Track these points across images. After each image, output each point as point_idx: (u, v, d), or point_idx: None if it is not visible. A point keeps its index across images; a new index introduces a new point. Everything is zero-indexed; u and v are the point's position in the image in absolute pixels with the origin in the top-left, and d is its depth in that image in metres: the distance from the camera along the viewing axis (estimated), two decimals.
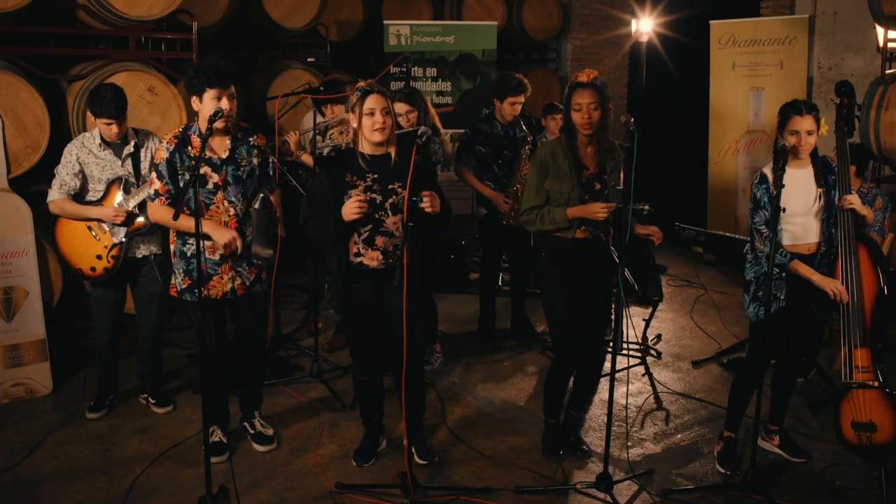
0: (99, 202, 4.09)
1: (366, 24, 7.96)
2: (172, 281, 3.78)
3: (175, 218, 3.30)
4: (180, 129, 3.68)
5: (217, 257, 3.67)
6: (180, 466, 3.78)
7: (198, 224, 3.21)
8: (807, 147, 3.50)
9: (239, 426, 4.10)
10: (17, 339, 4.48)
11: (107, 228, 4.11)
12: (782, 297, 3.60)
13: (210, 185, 3.62)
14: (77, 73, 5.15)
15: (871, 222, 3.66)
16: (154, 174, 3.64)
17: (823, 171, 3.59)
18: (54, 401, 4.50)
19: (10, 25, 4.93)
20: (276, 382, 4.68)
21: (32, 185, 4.66)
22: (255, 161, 3.72)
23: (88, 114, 4.05)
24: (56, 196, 4.08)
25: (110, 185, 4.09)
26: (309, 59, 7.15)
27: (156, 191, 3.63)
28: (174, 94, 5.18)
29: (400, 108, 4.85)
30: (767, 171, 3.61)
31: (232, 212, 3.66)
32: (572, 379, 3.96)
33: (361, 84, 3.52)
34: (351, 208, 3.38)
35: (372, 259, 3.54)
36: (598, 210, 3.57)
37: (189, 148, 3.62)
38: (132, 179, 4.12)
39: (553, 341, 3.95)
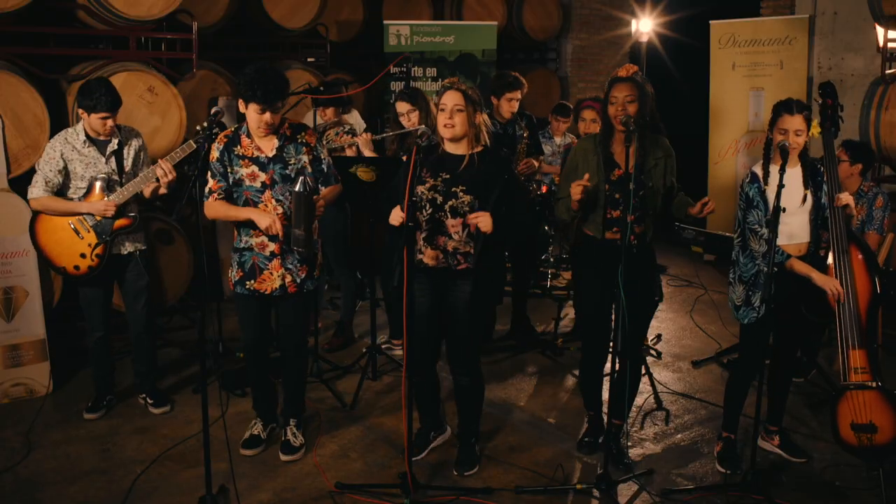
0: (81, 200, 4.08)
1: (366, 24, 7.96)
2: (230, 273, 3.81)
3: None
4: (233, 129, 3.72)
5: (268, 253, 3.68)
6: (180, 466, 3.78)
7: (199, 219, 3.21)
8: (794, 147, 3.49)
9: (277, 429, 4.07)
10: (17, 339, 4.48)
11: (90, 227, 4.11)
12: (762, 306, 3.58)
13: (258, 184, 3.63)
14: (77, 73, 5.15)
15: (856, 223, 3.66)
16: (209, 173, 3.67)
17: (811, 173, 3.59)
18: (54, 401, 4.50)
19: (10, 25, 4.94)
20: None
21: None
22: (305, 158, 3.70)
23: (78, 109, 4.02)
24: (39, 193, 4.05)
25: (92, 182, 4.07)
26: (309, 59, 7.15)
27: (209, 189, 3.66)
28: (174, 94, 5.19)
29: (401, 107, 4.87)
30: (758, 169, 3.61)
31: (279, 210, 3.64)
32: (573, 377, 3.95)
33: (448, 81, 3.53)
34: (394, 216, 3.39)
35: (431, 258, 3.52)
36: (574, 188, 3.46)
37: (238, 147, 3.65)
38: (115, 177, 4.11)
39: (582, 341, 3.94)
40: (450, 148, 3.53)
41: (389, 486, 3.56)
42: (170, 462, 3.82)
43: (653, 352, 5.33)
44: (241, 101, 3.58)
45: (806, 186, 3.57)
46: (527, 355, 5.33)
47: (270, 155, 3.65)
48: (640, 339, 3.89)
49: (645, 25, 8.76)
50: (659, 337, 5.65)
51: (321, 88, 4.99)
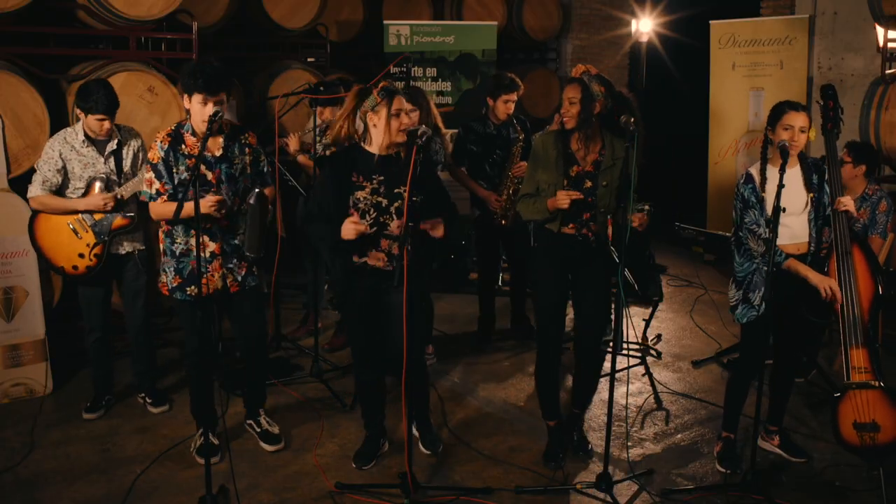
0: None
1: (366, 24, 7.96)
2: (163, 279, 3.75)
3: (175, 217, 3.27)
4: (172, 128, 3.68)
5: (207, 255, 3.68)
6: (180, 466, 3.78)
7: (198, 219, 3.21)
8: (798, 145, 3.49)
9: (244, 425, 4.10)
10: (17, 339, 4.48)
11: (89, 227, 4.11)
12: (761, 304, 3.59)
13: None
14: (77, 73, 5.14)
15: (858, 227, 3.67)
16: (152, 174, 3.62)
17: (811, 173, 3.59)
18: (54, 401, 4.50)
19: (10, 25, 4.93)
20: (276, 382, 4.67)
21: None
22: (246, 159, 3.73)
23: (76, 110, 4.03)
24: (38, 192, 4.06)
25: (91, 183, 4.08)
26: (309, 59, 7.16)
27: (157, 190, 3.62)
28: (174, 94, 5.18)
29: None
30: (753, 170, 3.62)
31: (223, 210, 3.65)
32: (572, 378, 3.96)
33: (384, 84, 3.51)
34: (347, 231, 3.39)
35: (377, 260, 3.54)
36: (560, 197, 3.53)
37: (182, 146, 3.61)
38: (114, 177, 4.11)
39: (537, 335, 3.96)
40: (378, 150, 3.53)
41: (389, 486, 3.56)
42: (170, 462, 3.82)
43: (653, 352, 5.33)
44: (184, 96, 3.55)
45: (806, 186, 3.57)
46: (527, 355, 5.33)
47: (217, 154, 3.64)
48: (596, 331, 3.89)
49: (645, 25, 8.78)
50: (659, 337, 5.65)
51: (321, 88, 4.99)
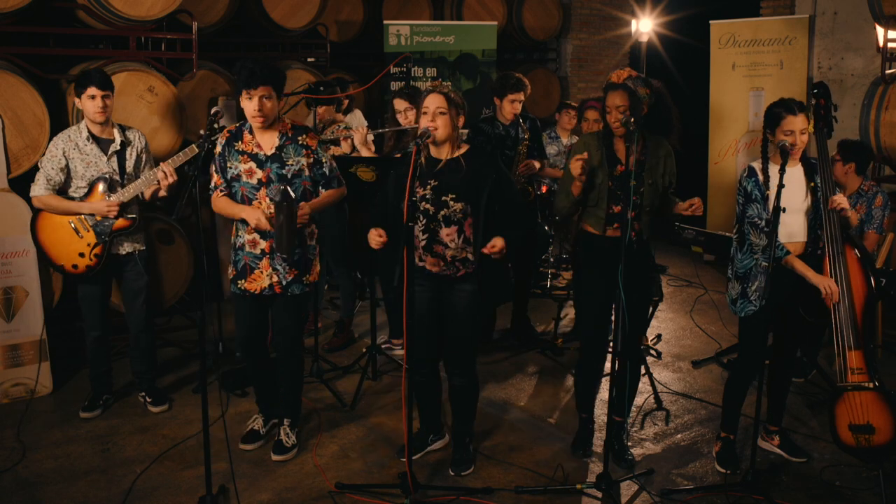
0: (82, 200, 4.09)
1: (366, 24, 7.96)
2: (229, 270, 3.85)
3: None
4: (236, 125, 3.74)
5: (258, 251, 3.68)
6: (180, 466, 3.78)
7: (198, 218, 3.21)
8: (801, 146, 3.49)
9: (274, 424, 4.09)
10: (17, 339, 4.48)
11: (90, 226, 4.11)
12: (760, 297, 3.59)
13: (254, 181, 3.63)
14: (77, 74, 5.14)
15: (856, 224, 3.66)
16: (213, 168, 3.71)
17: (811, 170, 3.59)
18: (54, 401, 4.50)
19: (10, 25, 4.93)
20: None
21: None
22: (303, 161, 3.69)
23: (74, 100, 4.04)
24: (41, 191, 4.07)
25: (94, 183, 4.08)
26: (309, 59, 7.15)
27: (214, 184, 3.71)
28: (174, 94, 5.18)
29: (399, 104, 4.88)
30: (756, 165, 3.61)
31: (273, 209, 3.65)
32: (607, 382, 3.91)
33: (428, 85, 3.53)
34: (372, 240, 3.40)
35: (432, 265, 3.52)
36: (572, 165, 3.51)
37: (239, 143, 3.66)
38: (116, 177, 4.11)
39: (581, 338, 3.94)
40: (433, 153, 3.51)
41: (389, 486, 3.56)
42: (170, 462, 3.82)
43: (653, 352, 5.33)
44: (240, 95, 3.59)
45: (807, 184, 3.57)
46: (527, 355, 5.33)
47: (269, 153, 3.65)
48: (640, 337, 3.90)
49: (645, 25, 8.77)
50: (659, 337, 5.65)
51: (321, 88, 4.99)
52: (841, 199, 3.48)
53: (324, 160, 3.76)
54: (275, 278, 3.71)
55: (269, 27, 6.60)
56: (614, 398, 3.65)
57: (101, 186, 4.07)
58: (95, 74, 4.00)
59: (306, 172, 3.70)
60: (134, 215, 4.15)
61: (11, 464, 3.78)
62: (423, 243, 3.50)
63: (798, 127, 3.46)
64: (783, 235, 3.53)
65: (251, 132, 3.67)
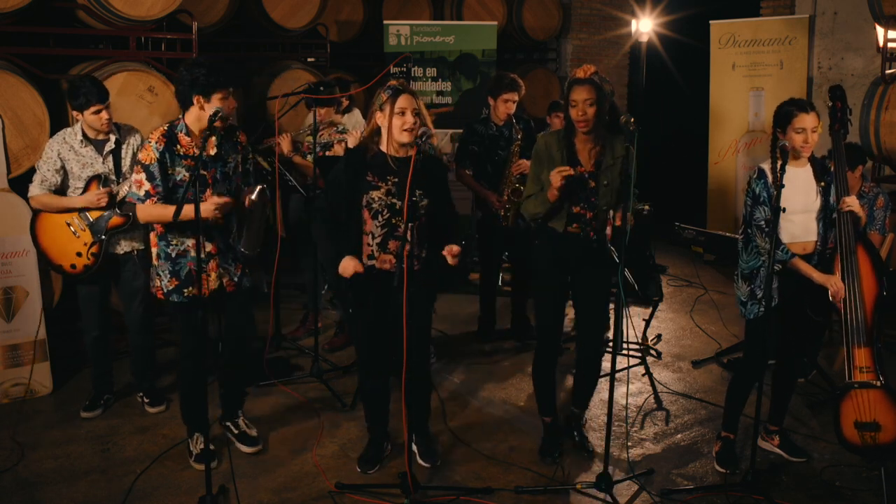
0: None
1: (366, 24, 7.97)
2: (157, 283, 3.67)
3: (176, 216, 3.23)
4: (165, 128, 3.58)
5: (204, 254, 3.64)
6: (180, 466, 3.78)
7: (199, 221, 3.21)
8: (812, 145, 3.49)
9: (220, 427, 4.01)
10: (17, 339, 4.48)
11: (86, 225, 4.11)
12: (775, 297, 3.60)
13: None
14: (77, 74, 5.14)
15: (864, 223, 3.66)
16: (143, 175, 3.52)
17: (821, 172, 3.59)
18: (54, 401, 4.50)
19: (10, 25, 4.93)
20: (276, 382, 4.68)
21: None
22: (238, 157, 3.72)
23: (72, 112, 4.04)
24: (37, 191, 4.09)
25: (89, 182, 4.08)
26: (309, 59, 7.15)
27: (146, 192, 3.51)
28: (174, 94, 5.18)
29: None
30: (766, 166, 3.61)
31: (224, 212, 3.63)
32: (572, 377, 3.96)
33: (392, 83, 3.49)
34: (346, 269, 3.44)
35: (384, 262, 3.53)
36: (553, 177, 3.50)
37: (177, 146, 3.55)
38: (112, 177, 4.11)
39: (537, 332, 3.96)
40: (394, 151, 3.51)
41: (389, 486, 3.56)
42: (170, 462, 3.82)
43: (653, 352, 5.33)
44: (197, 97, 3.48)
45: (817, 185, 3.57)
46: (527, 355, 5.32)
47: (212, 153, 3.61)
48: (597, 330, 3.91)
49: (645, 25, 8.77)
50: (659, 337, 5.65)
51: (322, 89, 4.99)
52: (852, 202, 3.48)
53: (249, 157, 3.82)
54: (225, 278, 3.71)
55: (269, 27, 6.60)
56: (576, 388, 3.89)
57: (97, 184, 4.08)
58: (92, 89, 3.94)
59: (239, 169, 3.73)
60: (130, 213, 4.14)
61: (11, 464, 3.78)
62: (378, 239, 3.51)
63: (809, 125, 3.45)
64: (789, 236, 3.54)
65: (188, 134, 3.57)
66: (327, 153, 4.95)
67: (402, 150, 3.52)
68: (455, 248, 3.43)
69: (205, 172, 3.59)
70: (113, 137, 4.12)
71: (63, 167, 4.07)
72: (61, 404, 4.45)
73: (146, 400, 4.39)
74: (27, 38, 5.25)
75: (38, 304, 4.53)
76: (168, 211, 3.42)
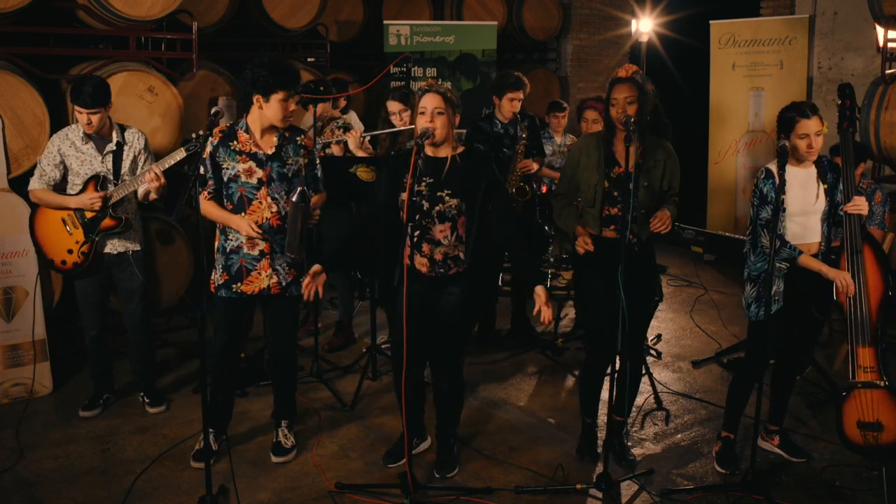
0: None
1: (366, 24, 7.96)
2: (212, 276, 3.74)
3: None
4: (228, 125, 3.69)
5: (256, 253, 3.65)
6: (180, 466, 3.78)
7: (199, 220, 3.21)
8: (817, 149, 3.47)
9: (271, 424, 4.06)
10: (17, 339, 4.48)
11: (79, 223, 4.11)
12: (779, 300, 3.59)
13: (254, 181, 3.61)
14: (77, 74, 5.14)
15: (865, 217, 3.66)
16: (201, 168, 3.61)
17: (824, 171, 3.58)
18: (54, 401, 4.50)
19: (10, 25, 4.93)
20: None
21: None
22: (301, 161, 3.71)
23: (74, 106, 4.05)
24: (36, 186, 4.10)
25: (88, 181, 4.08)
26: (309, 60, 7.15)
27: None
28: (174, 94, 5.18)
29: (394, 106, 4.88)
30: (773, 167, 3.60)
31: (274, 208, 3.63)
32: (608, 383, 3.90)
33: (423, 84, 3.51)
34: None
35: (421, 265, 3.50)
36: (579, 244, 3.58)
37: (234, 142, 3.62)
38: (110, 177, 4.11)
39: (586, 340, 3.92)
40: (430, 151, 3.50)
41: (389, 486, 3.56)
42: (170, 462, 3.82)
43: (653, 352, 5.33)
44: (257, 96, 3.53)
45: (821, 185, 3.56)
46: (527, 355, 5.33)
47: (269, 152, 3.64)
48: (641, 337, 3.88)
49: (645, 25, 8.76)
50: (659, 337, 5.65)
51: (322, 89, 4.99)
52: (861, 202, 3.46)
53: (316, 163, 3.81)
54: (274, 279, 3.69)
55: (269, 27, 6.60)
56: (615, 398, 3.62)
57: (94, 184, 4.08)
58: (86, 91, 3.92)
59: (303, 173, 3.71)
60: (124, 216, 4.13)
61: (11, 464, 3.78)
62: (414, 241, 3.49)
63: (812, 130, 3.44)
64: (790, 237, 3.54)
65: (247, 131, 3.64)
66: (326, 151, 4.95)
67: (437, 150, 3.50)
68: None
69: (260, 170, 3.61)
70: (115, 139, 4.12)
71: (63, 163, 4.08)
72: (61, 404, 4.45)
73: (147, 400, 4.39)
74: (27, 38, 5.26)
75: (39, 304, 4.52)
76: (214, 212, 3.62)
